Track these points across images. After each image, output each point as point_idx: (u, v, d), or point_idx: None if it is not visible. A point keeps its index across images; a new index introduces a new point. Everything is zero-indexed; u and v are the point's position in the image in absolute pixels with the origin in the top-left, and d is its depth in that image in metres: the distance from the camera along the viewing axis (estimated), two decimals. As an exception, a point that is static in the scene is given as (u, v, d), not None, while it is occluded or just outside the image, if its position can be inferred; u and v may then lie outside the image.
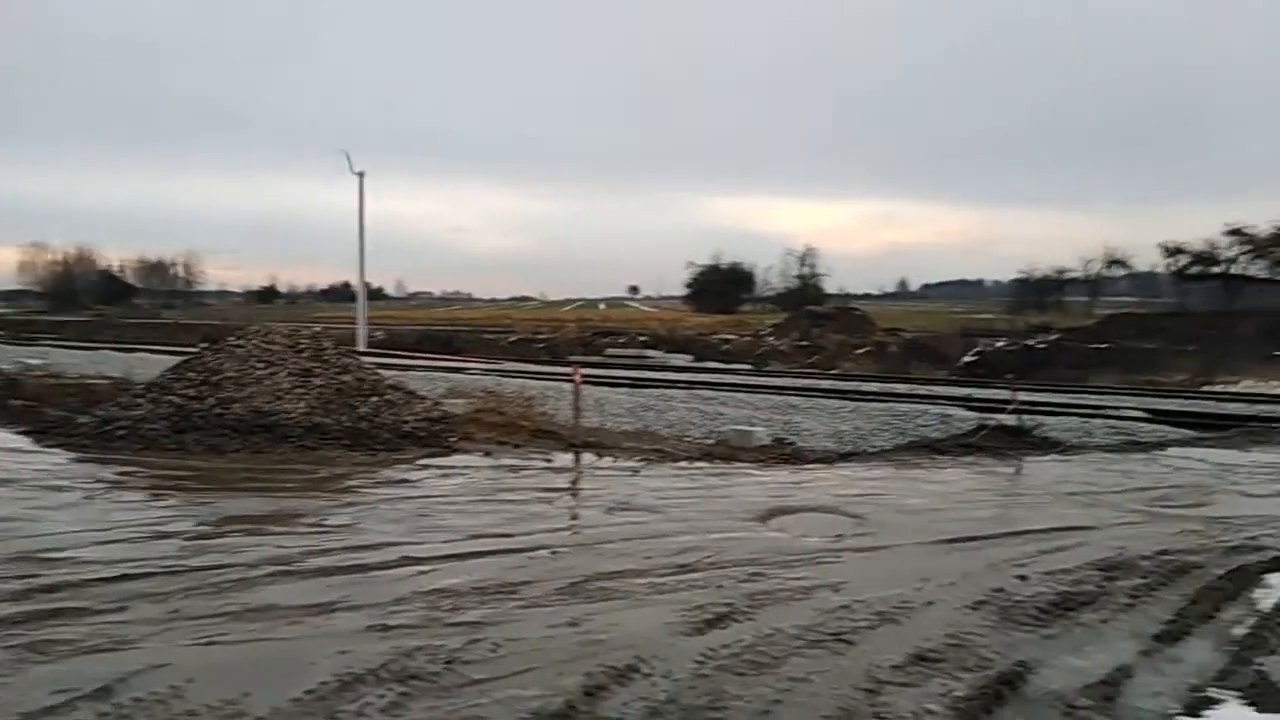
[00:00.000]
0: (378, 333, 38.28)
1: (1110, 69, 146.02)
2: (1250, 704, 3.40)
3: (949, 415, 14.03)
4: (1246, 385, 20.81)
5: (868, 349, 33.50)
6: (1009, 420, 12.16)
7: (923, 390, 18.88)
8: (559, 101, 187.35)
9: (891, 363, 30.87)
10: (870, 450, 11.54)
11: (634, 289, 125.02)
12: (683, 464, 9.42)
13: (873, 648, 4.08)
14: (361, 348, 28.01)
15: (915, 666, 3.87)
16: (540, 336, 39.84)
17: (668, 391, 17.51)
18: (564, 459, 9.53)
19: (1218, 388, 20.57)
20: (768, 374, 25.10)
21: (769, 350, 33.82)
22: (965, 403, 15.75)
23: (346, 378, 10.75)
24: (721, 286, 78.81)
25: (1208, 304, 45.74)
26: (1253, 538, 6.29)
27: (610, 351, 33.49)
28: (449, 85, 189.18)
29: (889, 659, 3.93)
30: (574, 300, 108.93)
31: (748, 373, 25.37)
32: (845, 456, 10.69)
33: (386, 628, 4.22)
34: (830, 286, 78.90)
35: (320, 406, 10.09)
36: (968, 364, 28.64)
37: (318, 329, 12.87)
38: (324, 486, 7.84)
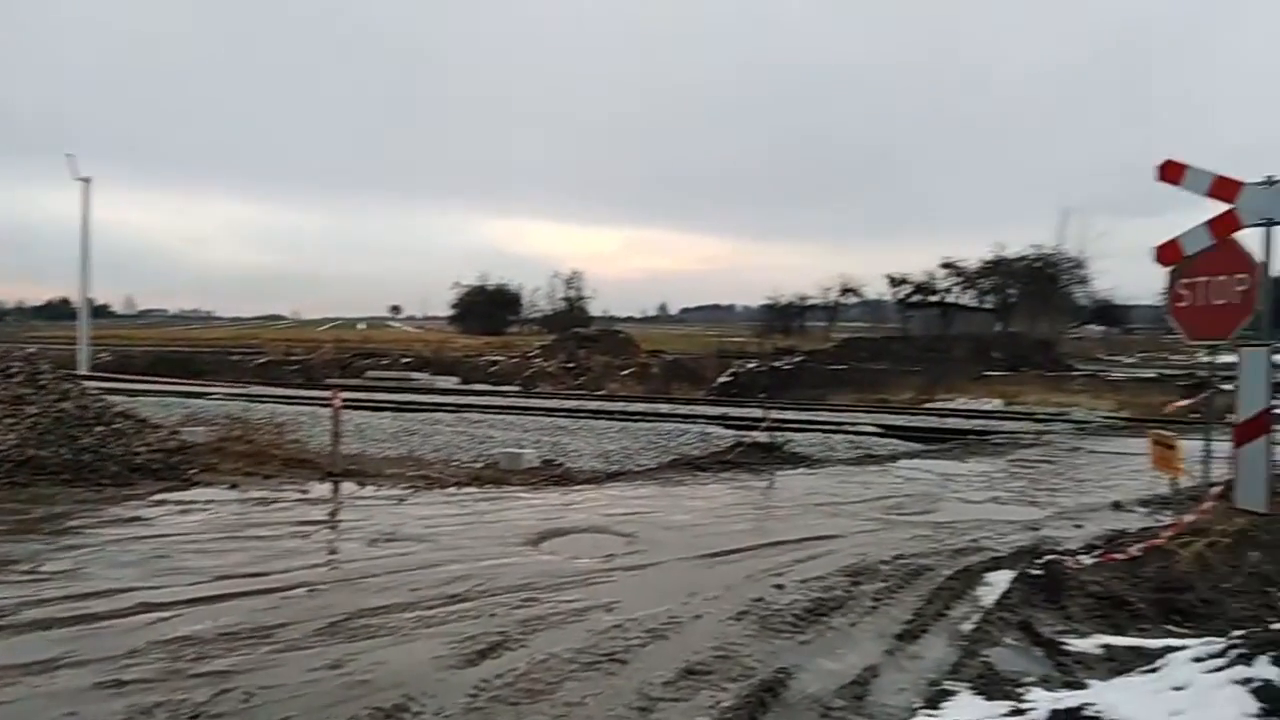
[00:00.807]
0: (103, 354, 34.61)
1: (847, 119, 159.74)
2: (980, 694, 3.75)
3: (709, 433, 14.67)
4: (962, 402, 23.26)
5: (632, 370, 34.32)
6: (762, 437, 12.88)
7: (684, 410, 19.59)
8: (311, 112, 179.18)
9: (654, 383, 31.77)
10: (637, 469, 11.83)
11: (396, 309, 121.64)
12: (451, 490, 9.19)
13: (645, 665, 4.14)
14: (84, 371, 25.21)
15: (685, 680, 3.96)
16: (293, 358, 37.56)
17: (434, 415, 17.10)
18: (321, 489, 9.03)
19: (938, 404, 22.87)
20: (536, 395, 25.10)
21: (537, 372, 33.85)
22: (723, 421, 16.52)
23: (66, 405, 9.60)
24: (488, 307, 78.30)
25: (927, 328, 51.01)
26: (974, 540, 6.99)
27: (371, 374, 32.19)
28: (187, 89, 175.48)
29: (661, 675, 4.00)
30: (330, 319, 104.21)
31: (516, 394, 25.27)
32: (613, 476, 10.88)
33: (120, 683, 3.77)
34: (595, 309, 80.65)
35: (35, 438, 8.95)
36: (723, 384, 30.05)
37: (32, 350, 11.41)
38: (39, 528, 6.93)
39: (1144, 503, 8.60)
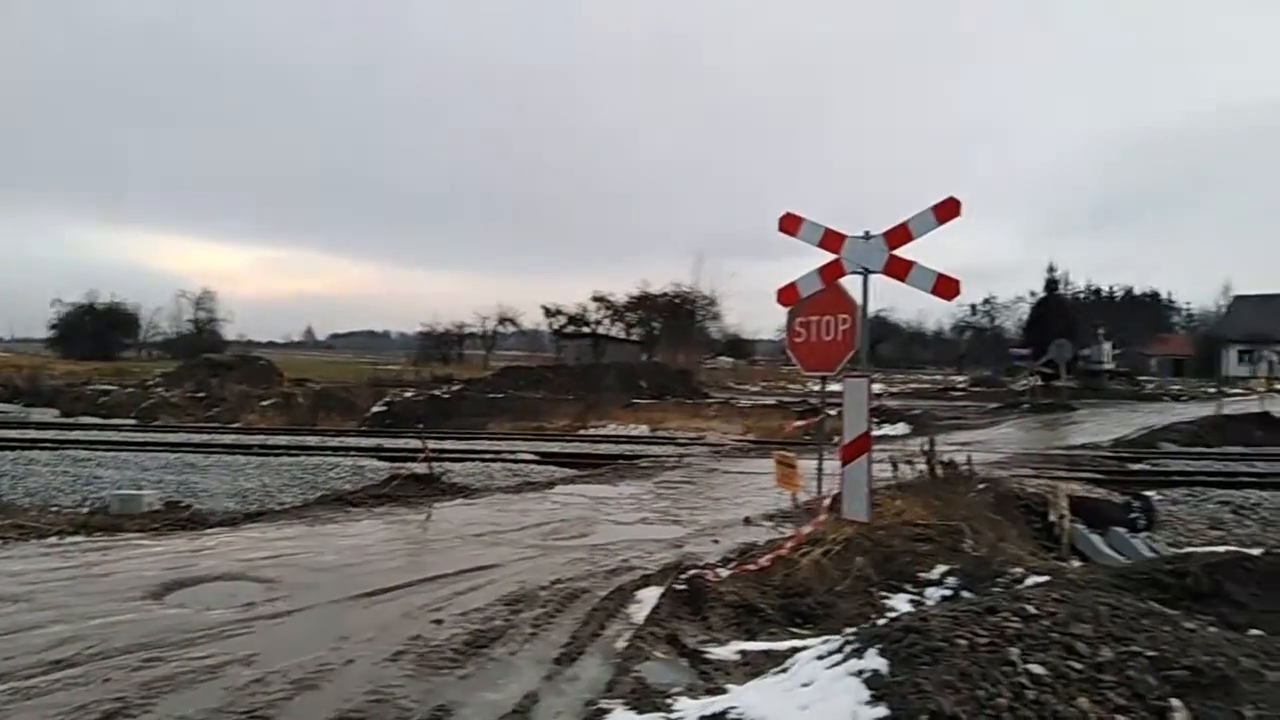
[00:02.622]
0: None
1: (509, 153, 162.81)
2: (633, 708, 3.90)
3: (362, 466, 14.09)
4: (613, 428, 24.48)
5: (274, 401, 31.99)
6: (420, 468, 12.58)
7: (334, 442, 18.71)
8: None
9: (300, 415, 29.93)
10: (280, 508, 11.04)
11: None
12: (52, 540, 7.93)
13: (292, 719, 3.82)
14: None
15: (337, 732, 3.71)
16: None
17: (28, 453, 14.81)
18: None
19: (592, 431, 23.86)
20: (158, 429, 22.59)
21: (159, 402, 30.39)
22: (377, 453, 16.01)
23: None
24: (97, 329, 69.16)
25: (581, 358, 53.23)
26: (626, 560, 7.31)
27: (-57, 406, 27.11)
28: None
29: (309, 729, 3.71)
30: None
31: (132, 428, 22.57)
32: (252, 516, 10.04)
33: None
34: (231, 333, 74.70)
35: None
36: (378, 414, 29.03)
37: None
38: None
39: (769, 517, 9.51)
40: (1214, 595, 5.21)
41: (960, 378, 61.13)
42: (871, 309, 6.98)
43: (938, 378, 63.74)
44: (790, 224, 7.09)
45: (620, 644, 4.99)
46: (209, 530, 8.81)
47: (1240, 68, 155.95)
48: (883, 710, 2.53)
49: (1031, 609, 3.01)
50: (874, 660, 2.81)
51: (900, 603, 5.68)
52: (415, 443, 14.33)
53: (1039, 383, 35.26)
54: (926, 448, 9.50)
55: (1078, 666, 2.77)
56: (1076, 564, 8.49)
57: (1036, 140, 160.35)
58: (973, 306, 78.85)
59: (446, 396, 31.87)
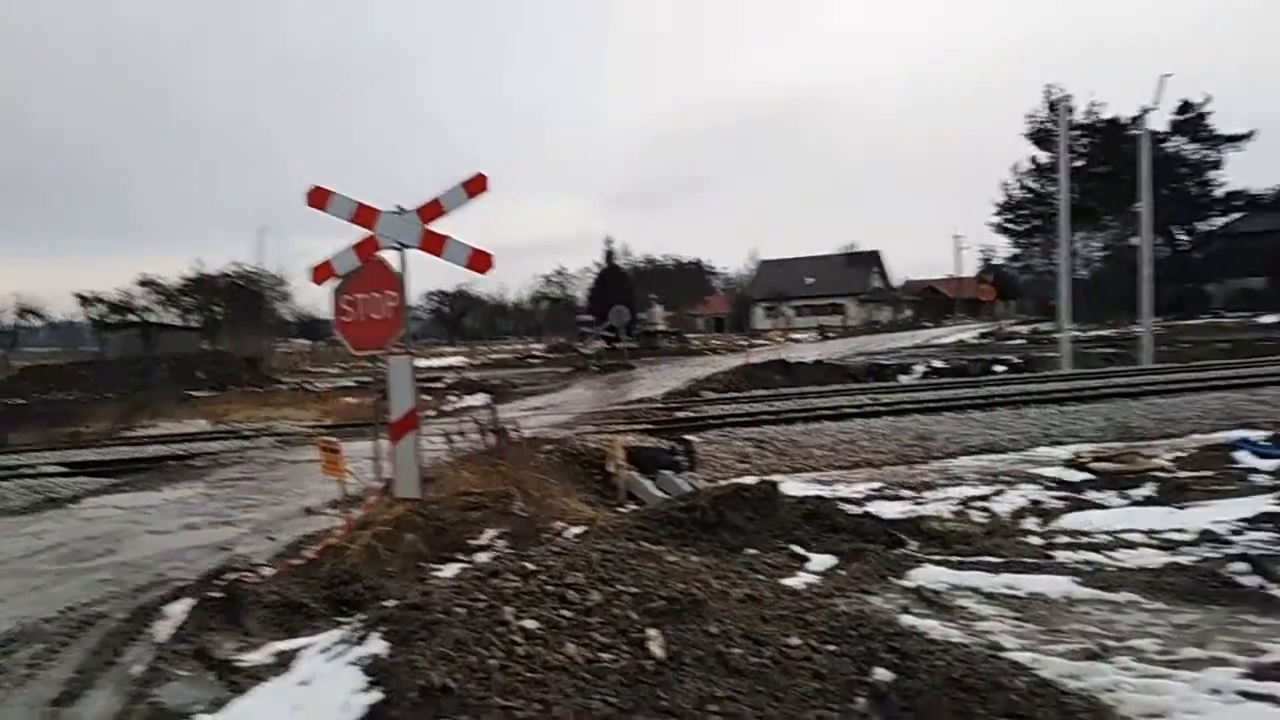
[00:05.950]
0: None
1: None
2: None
3: None
4: (166, 427, 21.96)
5: None
6: (-109, 500, 10.27)
7: None
8: None
9: None
10: None
11: None
12: None
13: None
14: None
15: None
16: None
17: None
18: None
19: (140, 432, 21.21)
20: None
21: None
22: None
23: None
24: None
25: (128, 351, 47.07)
26: (160, 574, 6.57)
27: None
28: None
29: None
30: None
31: None
32: None
33: None
34: None
35: None
36: None
37: None
38: None
39: (335, 504, 9.14)
40: (719, 524, 5.98)
41: (538, 345, 63.90)
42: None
43: (518, 347, 66.06)
44: (319, 198, 6.77)
45: (138, 669, 4.48)
46: None
47: (766, 62, 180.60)
48: (376, 695, 2.51)
49: (531, 566, 3.17)
50: (375, 645, 2.77)
51: (451, 572, 5.75)
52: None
53: (604, 346, 38.02)
54: (489, 416, 9.74)
55: (568, 614, 2.97)
56: (631, 508, 9.29)
57: (604, 119, 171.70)
58: (547, 278, 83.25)
59: (-55, 408, 26.38)
